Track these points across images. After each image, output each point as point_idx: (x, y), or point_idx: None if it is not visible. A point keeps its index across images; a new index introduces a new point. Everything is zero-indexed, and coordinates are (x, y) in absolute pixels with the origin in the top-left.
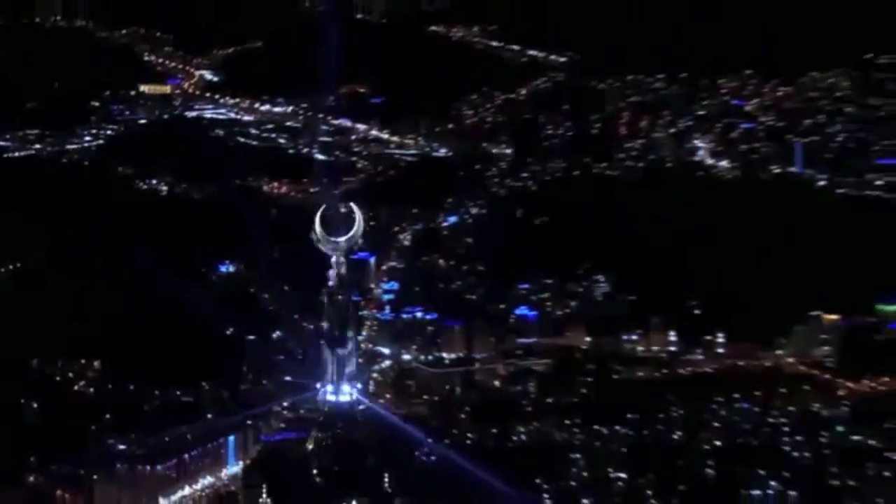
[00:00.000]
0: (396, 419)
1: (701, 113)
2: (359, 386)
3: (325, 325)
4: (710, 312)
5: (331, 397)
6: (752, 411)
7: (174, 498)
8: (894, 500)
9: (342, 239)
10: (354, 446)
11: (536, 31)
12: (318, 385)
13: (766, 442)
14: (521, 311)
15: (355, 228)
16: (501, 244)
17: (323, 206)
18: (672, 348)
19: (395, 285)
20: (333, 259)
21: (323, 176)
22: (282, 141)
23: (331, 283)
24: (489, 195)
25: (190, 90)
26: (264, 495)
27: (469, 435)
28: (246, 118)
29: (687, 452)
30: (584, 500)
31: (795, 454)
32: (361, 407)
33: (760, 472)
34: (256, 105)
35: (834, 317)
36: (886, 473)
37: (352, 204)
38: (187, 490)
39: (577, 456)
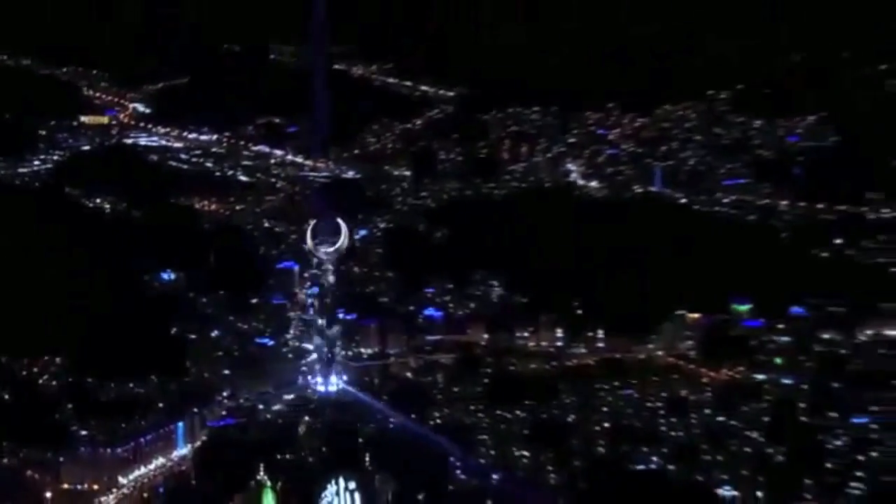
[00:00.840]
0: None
1: (572, 141)
2: (344, 377)
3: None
4: (590, 312)
5: (321, 387)
6: (632, 397)
7: (131, 476)
8: (755, 471)
9: (331, 248)
10: (343, 429)
11: (429, 68)
12: (310, 378)
13: (645, 423)
14: (428, 311)
15: (342, 239)
16: (407, 254)
17: (314, 221)
18: (559, 343)
19: (316, 290)
20: (323, 266)
21: (247, 194)
22: (209, 165)
23: (327, 281)
24: (394, 211)
25: (125, 120)
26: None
27: (391, 419)
28: (176, 145)
29: (579, 433)
30: (494, 475)
31: (672, 433)
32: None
33: (644, 449)
34: (184, 134)
35: (696, 315)
36: (747, 449)
37: (338, 219)
38: (143, 469)
39: (485, 437)
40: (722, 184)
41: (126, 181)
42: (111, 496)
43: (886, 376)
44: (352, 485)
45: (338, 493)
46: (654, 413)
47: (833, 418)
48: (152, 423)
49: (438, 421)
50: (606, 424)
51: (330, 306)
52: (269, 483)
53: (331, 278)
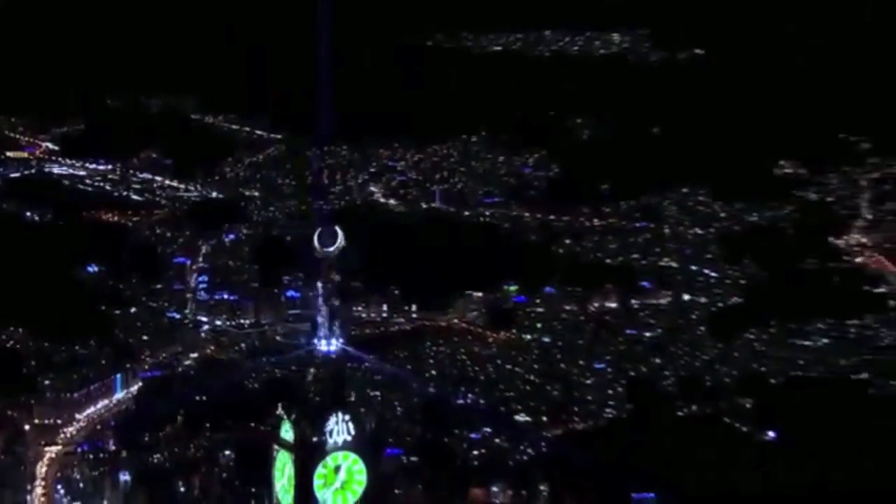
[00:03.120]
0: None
1: (372, 170)
2: (341, 340)
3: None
4: (405, 293)
5: (323, 346)
6: (446, 352)
7: (84, 413)
8: (538, 402)
9: (330, 249)
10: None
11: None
12: (315, 341)
13: (458, 370)
14: (289, 292)
15: (338, 242)
16: (266, 251)
17: (319, 229)
18: (384, 314)
19: (204, 278)
20: (326, 262)
21: (140, 209)
22: (108, 188)
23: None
24: (252, 222)
25: (41, 155)
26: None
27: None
28: (80, 173)
29: (413, 378)
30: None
31: (480, 378)
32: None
33: (461, 389)
34: (86, 164)
35: (479, 294)
36: (528, 388)
37: (336, 227)
38: (92, 408)
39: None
40: (483, 201)
41: (49, 199)
42: (72, 427)
43: (610, 334)
44: (347, 417)
45: (338, 424)
46: (463, 363)
47: (581, 365)
48: (96, 375)
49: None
50: (433, 372)
51: (330, 291)
52: (285, 416)
53: (332, 271)
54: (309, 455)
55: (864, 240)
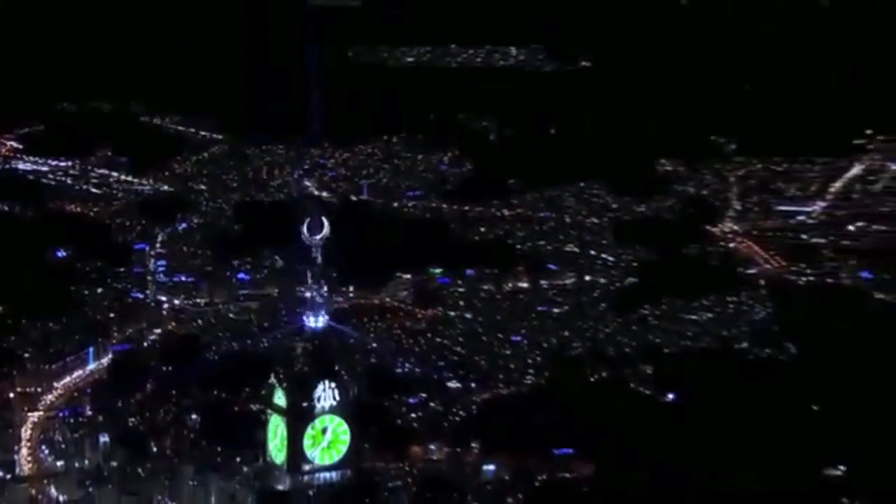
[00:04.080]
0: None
1: (306, 167)
2: (327, 316)
3: (309, 280)
4: (342, 275)
5: (312, 322)
6: (382, 326)
7: (61, 383)
8: (465, 369)
9: (318, 237)
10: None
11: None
12: (304, 317)
13: (395, 341)
14: (240, 275)
15: (324, 230)
16: (217, 239)
17: (308, 219)
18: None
19: (162, 262)
20: (314, 248)
21: (99, 201)
22: (69, 182)
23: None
24: (201, 212)
25: (6, 153)
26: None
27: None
28: (43, 169)
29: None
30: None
31: (416, 349)
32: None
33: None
34: (48, 161)
35: (408, 276)
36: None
37: (322, 216)
38: (68, 378)
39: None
40: (406, 194)
41: (17, 193)
42: (51, 395)
43: (524, 311)
44: (333, 384)
45: (324, 390)
46: (398, 336)
47: (500, 338)
48: (70, 349)
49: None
50: (374, 344)
51: (319, 273)
52: (277, 384)
53: (319, 256)
54: (299, 418)
55: (735, 227)
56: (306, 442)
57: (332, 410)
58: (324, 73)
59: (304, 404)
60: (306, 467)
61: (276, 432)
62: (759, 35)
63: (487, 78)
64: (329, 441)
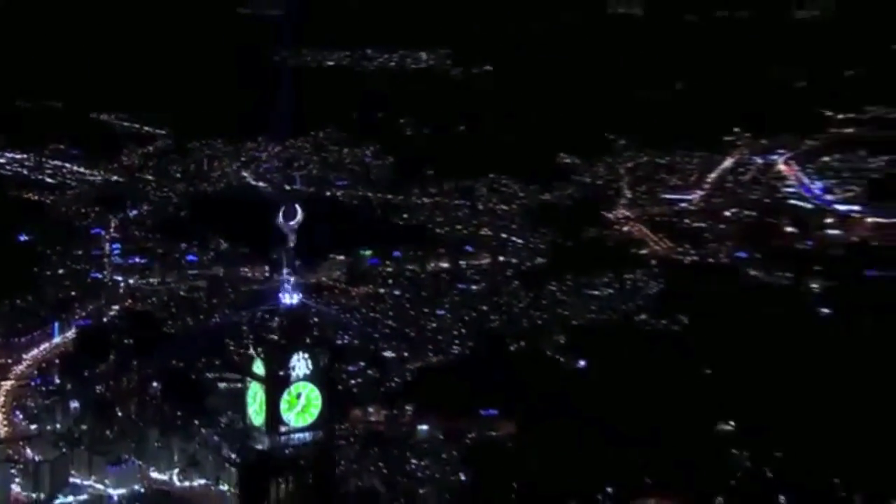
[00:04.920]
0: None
1: (243, 160)
2: (300, 294)
3: (284, 262)
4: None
5: (287, 300)
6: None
7: (29, 355)
8: (401, 340)
9: (293, 223)
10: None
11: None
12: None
13: (331, 317)
14: (189, 256)
15: (298, 217)
16: (165, 224)
17: (283, 206)
18: (266, 275)
19: (117, 245)
20: (289, 234)
21: (55, 190)
22: (25, 173)
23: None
24: (151, 201)
25: None
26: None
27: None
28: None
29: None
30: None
31: (353, 322)
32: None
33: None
34: (5, 153)
35: (342, 257)
36: (387, 330)
37: (296, 204)
38: (35, 351)
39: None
40: (335, 184)
41: None
42: (21, 366)
43: (446, 288)
44: (306, 355)
45: (299, 360)
46: (337, 311)
47: (426, 312)
48: (36, 324)
49: (216, 318)
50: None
51: (291, 255)
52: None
53: (292, 241)
54: (276, 385)
55: (627, 213)
56: (283, 406)
57: (306, 378)
58: (256, 74)
59: (281, 373)
60: (283, 429)
61: (255, 398)
62: (644, 46)
63: (400, 79)
64: (303, 406)
